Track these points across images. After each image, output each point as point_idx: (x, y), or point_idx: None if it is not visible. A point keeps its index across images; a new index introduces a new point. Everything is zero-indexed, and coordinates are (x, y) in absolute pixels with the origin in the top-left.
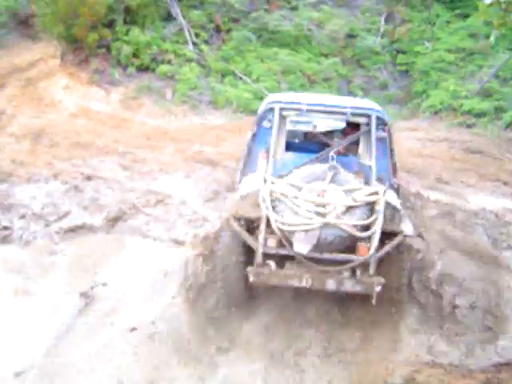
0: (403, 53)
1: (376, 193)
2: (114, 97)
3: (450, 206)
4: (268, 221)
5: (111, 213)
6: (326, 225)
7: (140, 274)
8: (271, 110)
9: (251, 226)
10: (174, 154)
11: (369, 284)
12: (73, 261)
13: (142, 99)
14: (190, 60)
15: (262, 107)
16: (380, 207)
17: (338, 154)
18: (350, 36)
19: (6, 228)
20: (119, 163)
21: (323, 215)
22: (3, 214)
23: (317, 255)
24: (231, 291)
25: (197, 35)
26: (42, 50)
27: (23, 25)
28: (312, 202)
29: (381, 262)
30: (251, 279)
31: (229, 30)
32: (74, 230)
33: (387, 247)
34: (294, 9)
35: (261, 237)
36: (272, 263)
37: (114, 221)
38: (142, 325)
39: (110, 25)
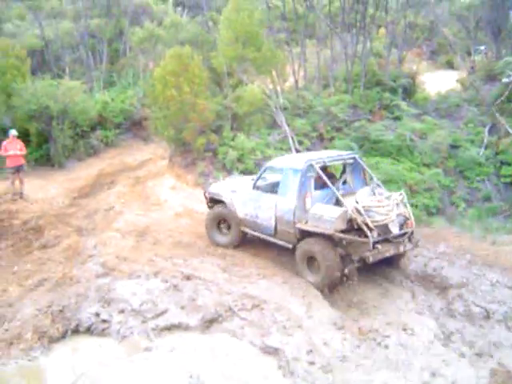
0: (508, 164)
1: (400, 194)
2: None
3: None
4: (365, 223)
5: (207, 314)
6: (397, 215)
7: (232, 378)
8: (311, 165)
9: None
10: (273, 260)
11: (415, 242)
12: (167, 359)
13: None
14: None
15: (288, 165)
16: (406, 202)
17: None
18: (453, 147)
19: (104, 321)
20: (218, 265)
21: (391, 211)
22: (103, 307)
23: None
24: None
25: (300, 143)
26: (152, 151)
27: (136, 126)
28: (382, 207)
29: None
30: (371, 259)
31: (332, 139)
32: (170, 328)
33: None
34: (397, 119)
35: (369, 233)
36: (379, 246)
37: (210, 322)
38: None
39: (218, 130)
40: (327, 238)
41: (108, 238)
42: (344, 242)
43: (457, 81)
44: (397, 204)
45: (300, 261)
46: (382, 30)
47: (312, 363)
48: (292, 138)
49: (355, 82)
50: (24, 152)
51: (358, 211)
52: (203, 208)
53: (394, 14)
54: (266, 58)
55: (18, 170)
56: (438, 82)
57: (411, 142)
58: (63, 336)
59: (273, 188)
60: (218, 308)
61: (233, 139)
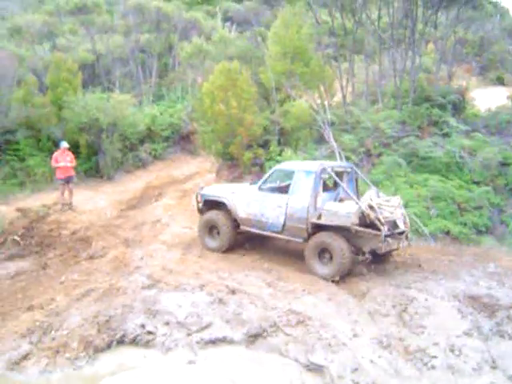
0: None
1: (398, 198)
2: None
3: None
4: (377, 218)
5: (252, 329)
6: (401, 214)
7: None
8: (325, 169)
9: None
10: (318, 276)
11: (409, 240)
12: (210, 372)
13: None
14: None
15: (301, 167)
16: (402, 205)
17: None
18: (504, 164)
19: (150, 333)
20: (264, 279)
21: (396, 210)
22: (149, 318)
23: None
24: None
25: (347, 158)
26: (199, 165)
27: (184, 140)
28: (390, 206)
29: None
30: (382, 250)
31: (379, 155)
32: (214, 341)
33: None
34: (446, 136)
35: (382, 227)
36: (389, 239)
37: (255, 337)
38: None
39: (265, 145)
40: (340, 231)
41: (154, 250)
42: (357, 235)
43: (507, 97)
44: (396, 206)
45: (312, 254)
46: (431, 46)
47: (357, 382)
48: (339, 153)
49: (404, 97)
50: (74, 164)
51: (372, 208)
52: None
53: (443, 29)
54: (314, 73)
55: (67, 181)
56: (488, 99)
57: (460, 159)
58: (108, 346)
59: (280, 188)
60: (263, 323)
61: (280, 154)
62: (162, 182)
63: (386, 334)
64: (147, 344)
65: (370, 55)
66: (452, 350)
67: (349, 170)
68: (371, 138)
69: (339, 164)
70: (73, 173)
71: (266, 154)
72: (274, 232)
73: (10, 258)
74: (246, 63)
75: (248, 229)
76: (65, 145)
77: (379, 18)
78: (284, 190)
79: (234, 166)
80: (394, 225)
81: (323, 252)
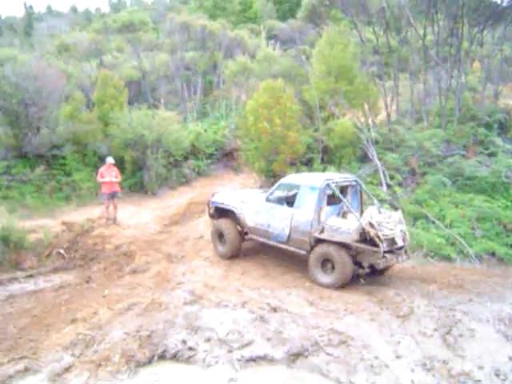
0: None
1: (399, 213)
2: None
3: None
4: (377, 235)
5: (293, 348)
6: (400, 231)
7: None
8: (328, 184)
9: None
10: (361, 295)
11: (408, 255)
12: None
13: None
14: (383, 201)
15: (306, 182)
16: (403, 220)
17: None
18: None
19: (191, 349)
20: (305, 298)
21: (396, 226)
22: (190, 334)
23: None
24: None
25: (391, 177)
26: (242, 182)
27: (227, 157)
28: (389, 223)
29: None
30: (381, 266)
31: (424, 174)
32: (255, 359)
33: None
34: (492, 155)
35: (381, 245)
36: (388, 255)
37: (296, 356)
38: None
39: (308, 163)
40: (341, 244)
41: (197, 266)
42: (357, 250)
43: None
44: (397, 222)
45: (315, 264)
46: (477, 64)
47: None
48: (383, 172)
49: (449, 116)
50: (119, 179)
51: (372, 225)
52: None
53: (489, 47)
54: (359, 92)
55: (112, 196)
56: None
57: (507, 179)
58: (150, 361)
59: (287, 201)
60: (304, 342)
61: (323, 171)
62: (205, 199)
63: (430, 357)
64: (188, 360)
65: (415, 73)
66: (497, 375)
67: (353, 183)
68: (416, 156)
69: (344, 177)
70: (118, 188)
71: (309, 171)
72: (279, 242)
73: (55, 270)
74: (289, 81)
75: (256, 238)
76: (110, 160)
77: (424, 35)
78: (291, 199)
79: (276, 182)
80: (393, 241)
81: (326, 262)
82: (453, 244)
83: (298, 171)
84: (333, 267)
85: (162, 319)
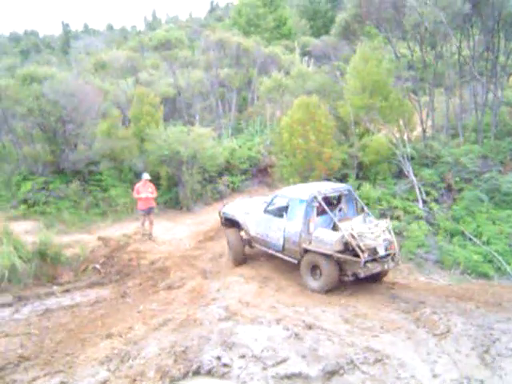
0: None
1: (386, 222)
2: None
3: None
4: (358, 246)
5: (328, 365)
6: (384, 240)
7: None
8: (315, 197)
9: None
10: (397, 313)
11: (396, 261)
12: None
13: None
14: (419, 218)
15: (295, 195)
16: (390, 228)
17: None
18: None
19: (225, 365)
20: (341, 315)
21: (379, 236)
22: (225, 351)
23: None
24: None
25: (427, 193)
26: None
27: (262, 173)
28: (372, 233)
29: None
30: (362, 275)
31: (460, 190)
32: (290, 377)
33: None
34: None
35: (361, 254)
36: (369, 264)
37: (331, 374)
38: None
39: (343, 179)
40: (326, 254)
41: (231, 282)
42: (339, 260)
43: None
44: (383, 230)
45: (305, 270)
46: None
47: None
48: (419, 188)
49: (485, 131)
50: (155, 195)
51: (353, 236)
52: None
53: None
54: (394, 107)
55: (148, 212)
56: None
57: None
58: (184, 377)
59: (281, 213)
60: (340, 360)
61: (358, 188)
62: None
63: (467, 376)
64: (223, 376)
65: (451, 88)
66: None
67: (346, 192)
68: (452, 172)
69: (336, 188)
70: (153, 204)
71: None
72: (276, 251)
73: (91, 285)
74: (324, 97)
75: (259, 246)
76: (146, 176)
77: (460, 50)
78: (285, 211)
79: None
80: (375, 250)
81: (314, 269)
82: (490, 261)
83: None
84: (321, 273)
85: (196, 335)
